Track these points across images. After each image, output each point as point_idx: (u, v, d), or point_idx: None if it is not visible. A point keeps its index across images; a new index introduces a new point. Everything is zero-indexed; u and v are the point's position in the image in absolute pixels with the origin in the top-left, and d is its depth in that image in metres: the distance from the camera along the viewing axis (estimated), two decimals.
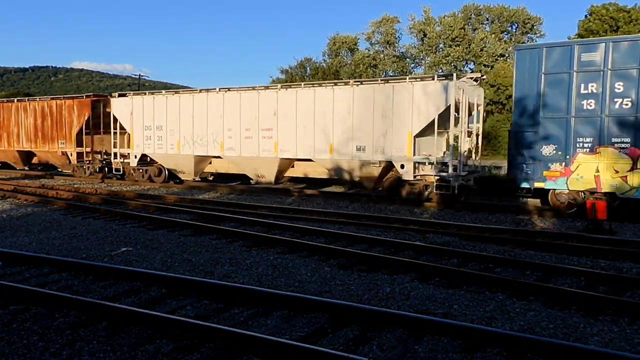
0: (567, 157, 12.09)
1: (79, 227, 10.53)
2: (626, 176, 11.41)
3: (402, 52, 45.86)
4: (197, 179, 19.27)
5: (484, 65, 42.24)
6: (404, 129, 14.27)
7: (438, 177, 13.76)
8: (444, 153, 14.34)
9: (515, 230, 10.11)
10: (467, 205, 13.45)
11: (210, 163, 18.94)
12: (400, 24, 45.23)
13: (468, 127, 14.05)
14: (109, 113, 20.62)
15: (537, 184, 12.35)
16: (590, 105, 11.84)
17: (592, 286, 6.46)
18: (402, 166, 14.36)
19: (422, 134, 14.26)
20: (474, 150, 14.92)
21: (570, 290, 5.99)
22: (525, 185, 12.59)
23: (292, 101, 16.10)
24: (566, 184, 11.99)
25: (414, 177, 14.33)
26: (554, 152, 12.23)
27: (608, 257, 8.01)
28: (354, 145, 15.06)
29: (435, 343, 4.60)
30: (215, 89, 17.88)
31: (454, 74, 13.86)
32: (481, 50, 42.51)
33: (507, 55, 44.20)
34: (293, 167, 17.14)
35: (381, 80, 15.04)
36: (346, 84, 15.72)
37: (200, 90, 18.41)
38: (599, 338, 4.83)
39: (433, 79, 14.09)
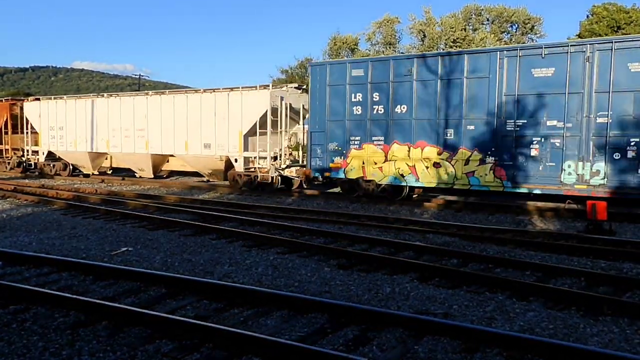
0: (345, 152, 14.96)
1: (79, 226, 10.53)
2: (381, 167, 14.46)
3: (402, 53, 45.87)
4: (96, 172, 22.45)
5: None
6: (236, 130, 17.40)
7: (269, 169, 16.87)
8: (278, 149, 17.14)
9: (515, 230, 10.11)
10: (467, 205, 13.47)
11: (107, 159, 22.32)
12: (401, 24, 45.10)
13: (289, 128, 17.27)
14: None
15: (326, 174, 15.36)
16: (358, 111, 14.74)
17: (592, 286, 6.46)
18: (236, 160, 17.53)
19: (253, 133, 17.11)
20: (300, 147, 17.44)
21: (570, 291, 5.99)
22: (317, 175, 15.58)
23: (158, 106, 19.33)
24: (344, 173, 15.02)
25: (246, 169, 17.38)
26: (336, 148, 15.13)
27: (608, 257, 8.00)
28: (202, 143, 18.27)
29: (435, 343, 4.60)
30: (103, 94, 21.70)
31: (270, 84, 17.38)
32: None
33: None
34: (168, 161, 20.42)
35: (222, 89, 18.10)
36: (196, 91, 18.97)
37: (92, 96, 21.86)
38: (599, 338, 4.83)
39: (256, 89, 17.23)
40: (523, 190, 12.67)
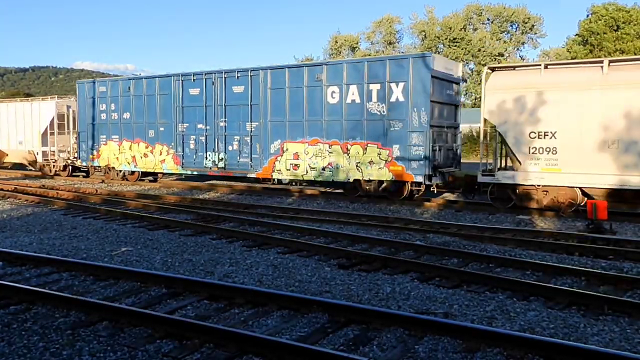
0: (97, 147, 20.50)
1: (80, 227, 10.53)
2: (118, 157, 19.81)
3: (402, 52, 45.82)
4: None
5: (483, 65, 42.20)
6: (36, 130, 23.15)
7: (59, 160, 22.87)
8: (66, 146, 22.89)
9: (516, 230, 10.11)
10: (467, 205, 13.48)
11: None
12: (402, 24, 45.06)
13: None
14: None
15: (89, 163, 21.02)
16: (103, 117, 20.16)
17: (593, 286, 6.46)
18: (38, 153, 23.26)
19: (51, 134, 22.76)
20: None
21: (571, 290, 5.99)
22: (84, 163, 21.33)
23: (4, 111, 24.88)
24: (98, 162, 20.59)
25: (45, 159, 23.12)
26: (93, 144, 20.67)
27: (608, 257, 8.00)
28: (18, 140, 24.14)
29: (436, 343, 4.60)
30: None
31: (56, 96, 23.97)
32: (479, 50, 42.51)
33: (507, 55, 44.18)
34: (8, 155, 25.32)
35: (31, 99, 25.05)
36: (16, 101, 25.19)
37: None
38: (599, 338, 4.83)
39: (48, 99, 23.91)
40: (188, 172, 18.49)
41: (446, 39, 43.17)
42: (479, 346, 4.48)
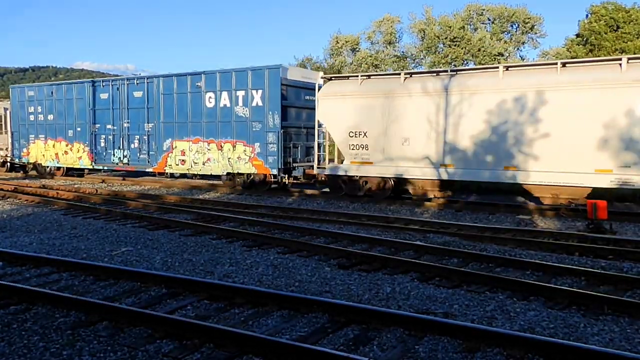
0: (26, 144, 22.70)
1: (80, 227, 10.53)
2: (44, 154, 22.14)
3: (402, 52, 45.82)
4: None
5: (483, 64, 42.13)
6: None
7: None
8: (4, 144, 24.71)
9: (516, 229, 10.11)
10: (467, 205, 13.49)
11: None
12: (402, 24, 44.96)
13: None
14: None
15: (21, 160, 23.23)
16: (32, 119, 22.43)
17: (593, 286, 6.46)
18: None
19: None
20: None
21: (571, 290, 5.99)
22: (17, 159, 23.42)
23: None
24: (27, 159, 22.93)
25: None
26: (24, 142, 22.82)
27: (608, 256, 8.00)
28: None
29: (436, 343, 4.60)
30: None
31: None
32: (479, 50, 42.49)
33: (507, 54, 44.15)
34: None
35: None
36: None
37: None
38: (599, 338, 4.83)
39: None
40: (99, 167, 20.74)
41: (446, 38, 43.16)
42: (479, 346, 4.48)
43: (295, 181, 16.95)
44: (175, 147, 18.14)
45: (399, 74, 13.88)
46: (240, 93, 16.58)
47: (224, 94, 16.89)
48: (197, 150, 17.66)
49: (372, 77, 14.81)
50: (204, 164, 17.57)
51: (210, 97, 17.22)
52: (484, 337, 4.55)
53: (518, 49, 46.57)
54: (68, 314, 5.31)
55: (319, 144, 15.56)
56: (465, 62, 43.82)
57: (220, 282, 6.23)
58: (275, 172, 15.99)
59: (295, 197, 15.88)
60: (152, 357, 4.36)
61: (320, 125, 15.41)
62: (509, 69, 13.07)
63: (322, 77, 15.32)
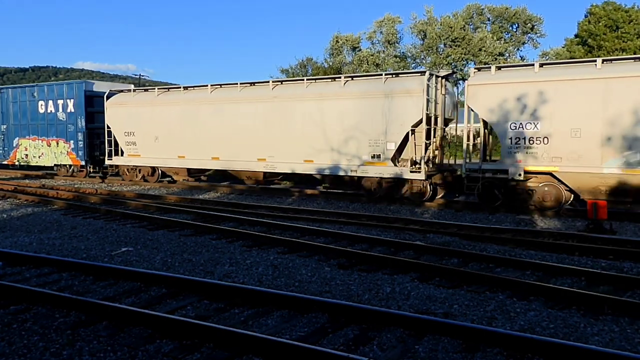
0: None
1: (79, 227, 10.53)
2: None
3: (403, 52, 45.80)
4: None
5: (484, 64, 42.14)
6: None
7: None
8: None
9: (516, 229, 10.10)
10: (467, 205, 13.50)
11: None
12: (402, 24, 44.92)
13: None
14: None
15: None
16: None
17: (593, 286, 6.46)
18: None
19: None
20: None
21: (571, 290, 5.99)
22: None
23: None
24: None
25: None
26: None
27: (608, 256, 8.01)
28: None
29: (436, 343, 4.60)
30: None
31: None
32: (479, 50, 42.49)
33: (507, 54, 44.14)
34: None
35: None
36: None
37: None
38: (600, 338, 4.83)
39: None
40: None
41: (447, 38, 43.15)
42: (479, 346, 4.48)
43: (105, 171, 21.76)
44: (21, 144, 23.20)
45: (154, 89, 19.11)
46: (60, 102, 21.71)
47: (50, 102, 21.97)
48: (34, 146, 22.70)
49: (136, 90, 20.05)
50: (39, 157, 22.56)
51: (42, 105, 22.22)
52: (484, 337, 4.55)
53: (518, 49, 46.52)
54: (68, 314, 5.31)
55: (109, 141, 19.92)
56: (466, 61, 43.80)
57: (220, 282, 6.23)
58: (84, 163, 21.16)
59: (295, 197, 15.89)
60: (152, 357, 4.36)
61: (109, 127, 19.71)
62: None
63: (110, 90, 20.40)
